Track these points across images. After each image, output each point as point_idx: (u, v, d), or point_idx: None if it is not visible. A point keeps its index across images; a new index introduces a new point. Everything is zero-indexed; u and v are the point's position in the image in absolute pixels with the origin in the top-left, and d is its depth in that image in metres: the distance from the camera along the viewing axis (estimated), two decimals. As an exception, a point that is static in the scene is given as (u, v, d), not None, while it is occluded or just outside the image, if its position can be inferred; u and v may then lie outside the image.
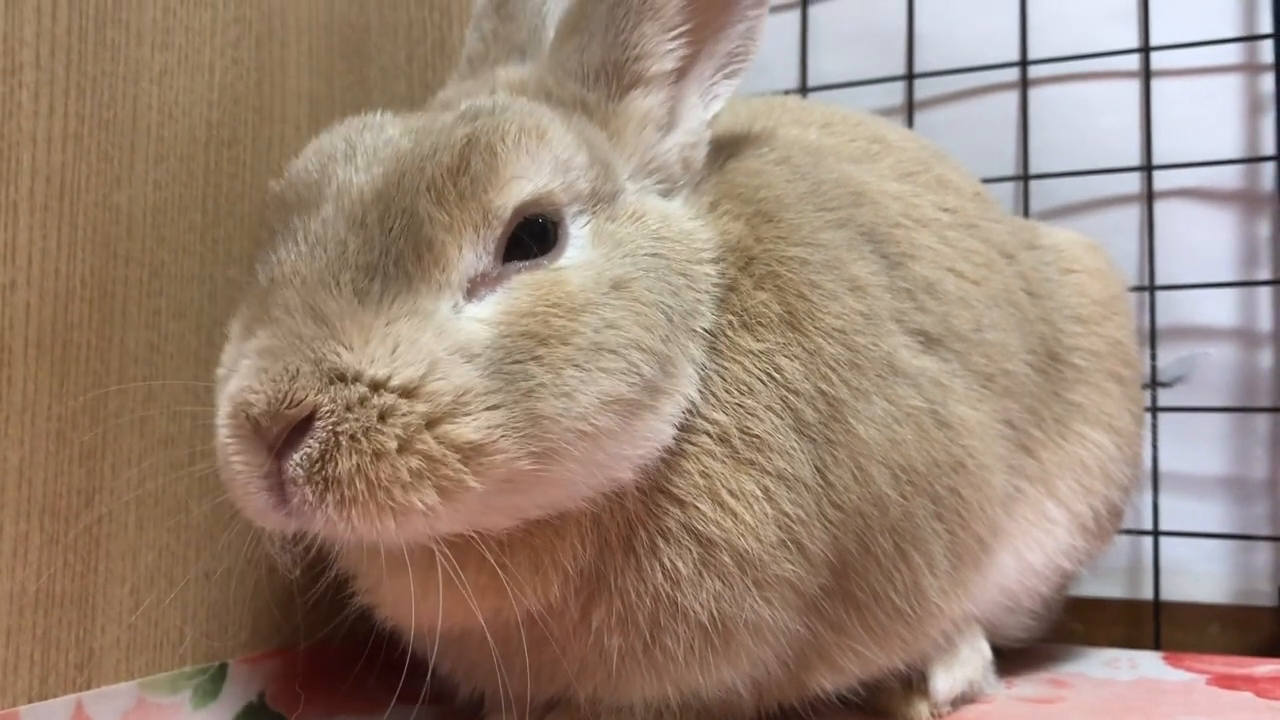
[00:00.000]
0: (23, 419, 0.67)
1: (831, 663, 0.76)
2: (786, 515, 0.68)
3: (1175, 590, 1.28)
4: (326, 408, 0.56)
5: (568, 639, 0.69)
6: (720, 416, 0.68)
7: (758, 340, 0.70)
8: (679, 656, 0.68)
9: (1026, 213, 1.33)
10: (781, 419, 0.69)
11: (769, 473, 0.68)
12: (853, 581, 0.73)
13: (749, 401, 0.68)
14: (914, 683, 0.85)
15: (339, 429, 0.56)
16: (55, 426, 0.69)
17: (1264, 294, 1.27)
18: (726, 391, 0.68)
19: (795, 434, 0.69)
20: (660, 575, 0.66)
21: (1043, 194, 1.35)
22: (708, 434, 0.68)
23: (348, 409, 0.56)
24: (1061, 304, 0.96)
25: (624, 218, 0.68)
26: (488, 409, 0.58)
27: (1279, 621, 1.25)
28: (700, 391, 0.68)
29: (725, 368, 0.69)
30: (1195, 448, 1.29)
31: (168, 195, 0.76)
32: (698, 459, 0.67)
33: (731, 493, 0.67)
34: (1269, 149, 1.27)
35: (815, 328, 0.71)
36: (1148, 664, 1.08)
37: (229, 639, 0.80)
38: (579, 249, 0.65)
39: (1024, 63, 1.34)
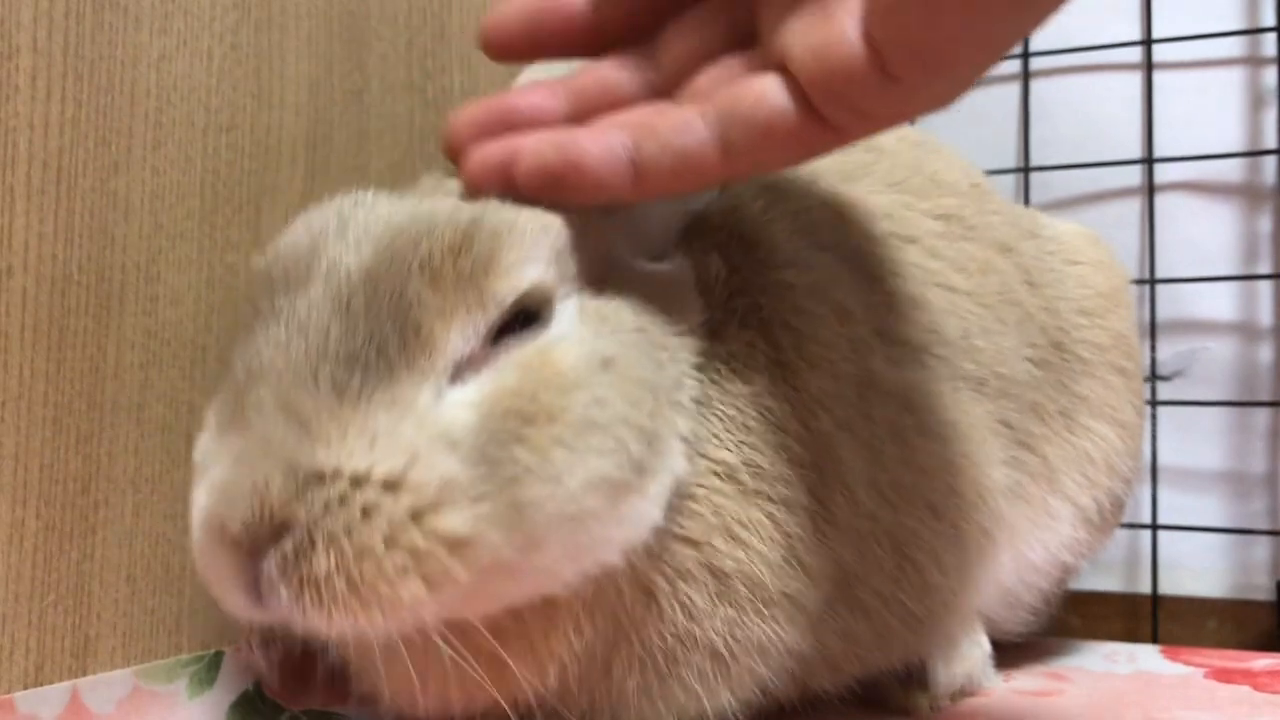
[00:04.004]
0: (18, 405, 0.66)
1: (836, 668, 0.77)
2: (788, 535, 0.68)
3: (1173, 584, 1.28)
4: (302, 513, 0.53)
5: (586, 685, 0.68)
6: (725, 455, 0.67)
7: (746, 384, 0.69)
8: (692, 685, 0.68)
9: (1027, 205, 1.32)
10: (777, 453, 0.68)
11: (773, 500, 0.67)
12: (858, 588, 0.73)
13: (750, 438, 0.68)
14: (913, 676, 0.85)
15: (314, 530, 0.53)
16: (51, 413, 0.68)
17: (1264, 288, 1.27)
18: (728, 432, 0.67)
19: (788, 464, 0.69)
20: (680, 614, 0.66)
21: (1043, 186, 1.35)
22: (716, 474, 0.67)
23: (326, 509, 0.53)
24: (1066, 295, 0.96)
25: (610, 291, 0.65)
26: (473, 500, 0.55)
27: (1277, 616, 1.25)
28: (701, 437, 0.67)
29: (723, 412, 0.68)
30: (1194, 442, 1.29)
31: (165, 181, 0.76)
32: (708, 500, 0.66)
33: (741, 524, 0.66)
34: (1271, 143, 1.27)
35: (802, 360, 0.70)
36: (1145, 658, 1.08)
37: (225, 627, 0.80)
38: (566, 325, 0.62)
39: (1025, 54, 1.34)
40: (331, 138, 0.89)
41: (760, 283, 0.71)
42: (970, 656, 0.89)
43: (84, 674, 0.70)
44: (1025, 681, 0.97)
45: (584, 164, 0.61)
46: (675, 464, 0.64)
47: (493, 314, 0.59)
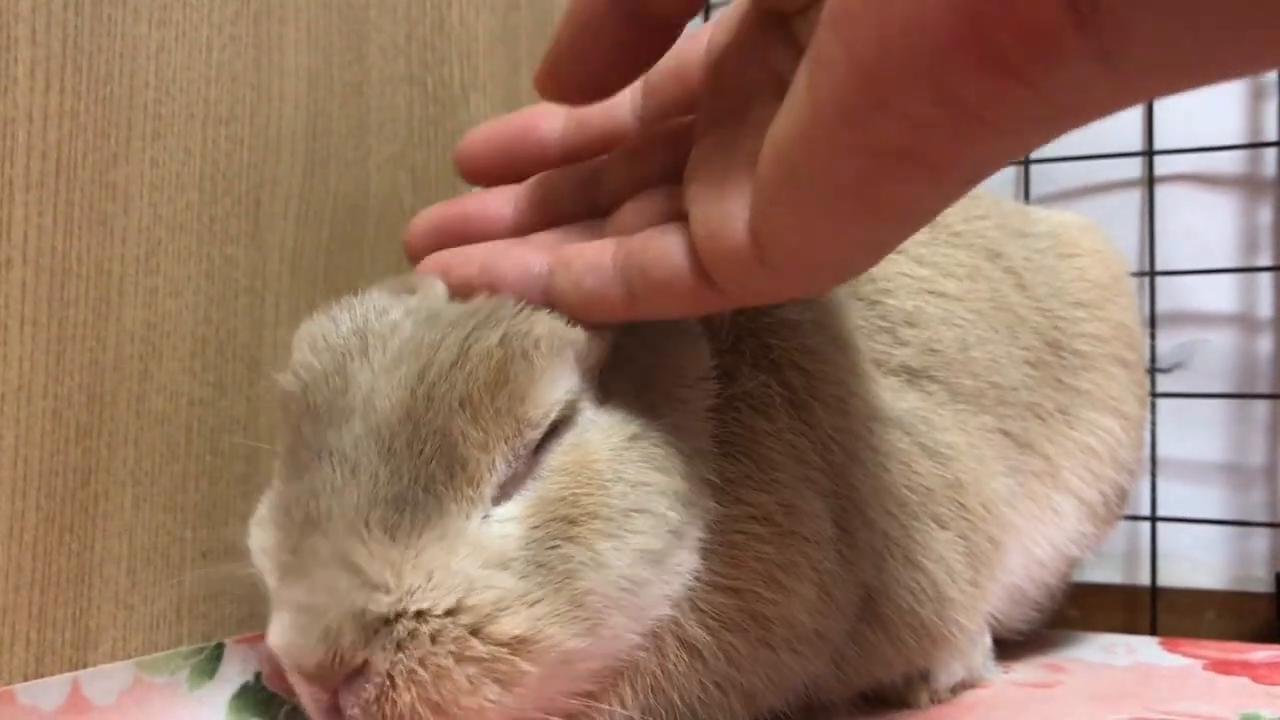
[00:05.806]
0: (19, 397, 0.66)
1: (846, 684, 0.77)
2: (818, 570, 0.68)
3: (1172, 576, 1.28)
4: (378, 658, 0.55)
5: None
6: (761, 497, 0.67)
7: (769, 421, 0.69)
8: None
9: (1028, 198, 1.32)
10: (805, 487, 0.69)
11: (807, 539, 0.68)
12: (880, 603, 0.74)
13: (780, 475, 0.68)
14: (914, 671, 0.85)
15: (392, 671, 0.56)
16: (51, 405, 0.68)
17: (1264, 280, 1.27)
18: (760, 471, 0.68)
19: (816, 497, 0.70)
20: (724, 661, 0.66)
21: (1043, 179, 1.35)
22: (754, 519, 0.67)
23: (399, 648, 0.56)
24: (1062, 289, 0.96)
25: (623, 357, 0.65)
26: (529, 606, 0.57)
27: (1275, 608, 1.25)
28: (734, 479, 0.67)
29: (751, 450, 0.68)
30: (1194, 434, 1.29)
31: (164, 173, 0.76)
32: (749, 546, 0.66)
33: (781, 567, 0.67)
34: (1271, 135, 1.26)
35: (815, 400, 0.71)
36: (1145, 649, 1.08)
37: (225, 619, 0.80)
38: (592, 412, 0.63)
39: (1026, 46, 1.33)
40: (331, 130, 0.89)
41: (767, 321, 0.72)
42: (971, 653, 0.89)
43: (84, 666, 0.70)
44: (1024, 673, 0.97)
45: (501, 289, 0.65)
46: (706, 506, 0.65)
47: (530, 437, 0.60)
